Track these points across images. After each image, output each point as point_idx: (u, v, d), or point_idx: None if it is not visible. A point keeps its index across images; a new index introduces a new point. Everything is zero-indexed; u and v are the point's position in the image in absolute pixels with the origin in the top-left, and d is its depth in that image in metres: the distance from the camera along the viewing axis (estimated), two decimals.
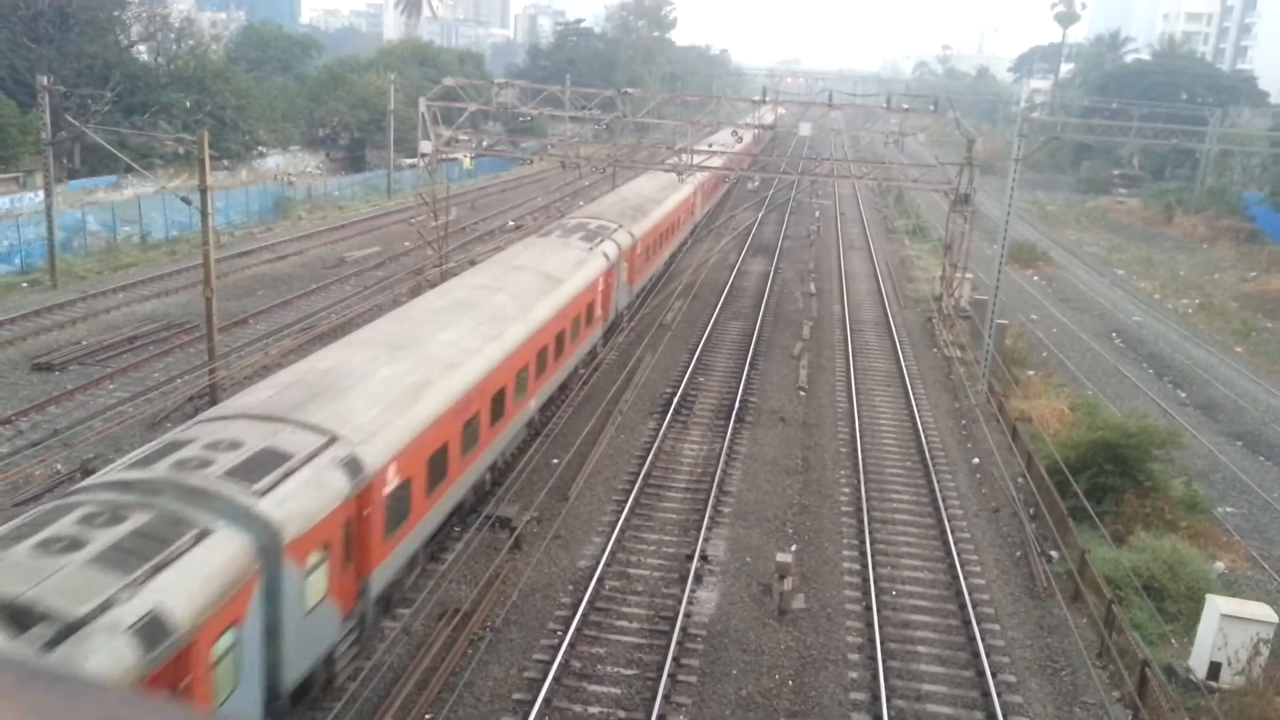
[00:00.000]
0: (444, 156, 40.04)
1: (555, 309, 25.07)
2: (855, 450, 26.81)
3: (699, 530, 21.38)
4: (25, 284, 38.34)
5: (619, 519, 21.57)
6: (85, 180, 54.95)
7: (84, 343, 31.78)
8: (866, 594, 19.34)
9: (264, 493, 12.54)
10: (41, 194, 40.15)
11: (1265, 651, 17.07)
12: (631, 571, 19.75)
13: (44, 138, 37.97)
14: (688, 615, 18.15)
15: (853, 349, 36.79)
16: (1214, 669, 17.15)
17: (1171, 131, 61.18)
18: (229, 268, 41.25)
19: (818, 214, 70.30)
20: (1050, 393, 32.10)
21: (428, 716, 14.88)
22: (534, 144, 57.59)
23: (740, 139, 46.49)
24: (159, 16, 72.60)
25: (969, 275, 41.35)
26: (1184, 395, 36.42)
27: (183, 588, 10.68)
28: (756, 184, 70.03)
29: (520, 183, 75.31)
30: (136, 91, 60.86)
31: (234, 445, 13.42)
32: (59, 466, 22.57)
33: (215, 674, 11.29)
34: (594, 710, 15.41)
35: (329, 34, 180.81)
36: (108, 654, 9.54)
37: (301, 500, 12.98)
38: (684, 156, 40.20)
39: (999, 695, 16.31)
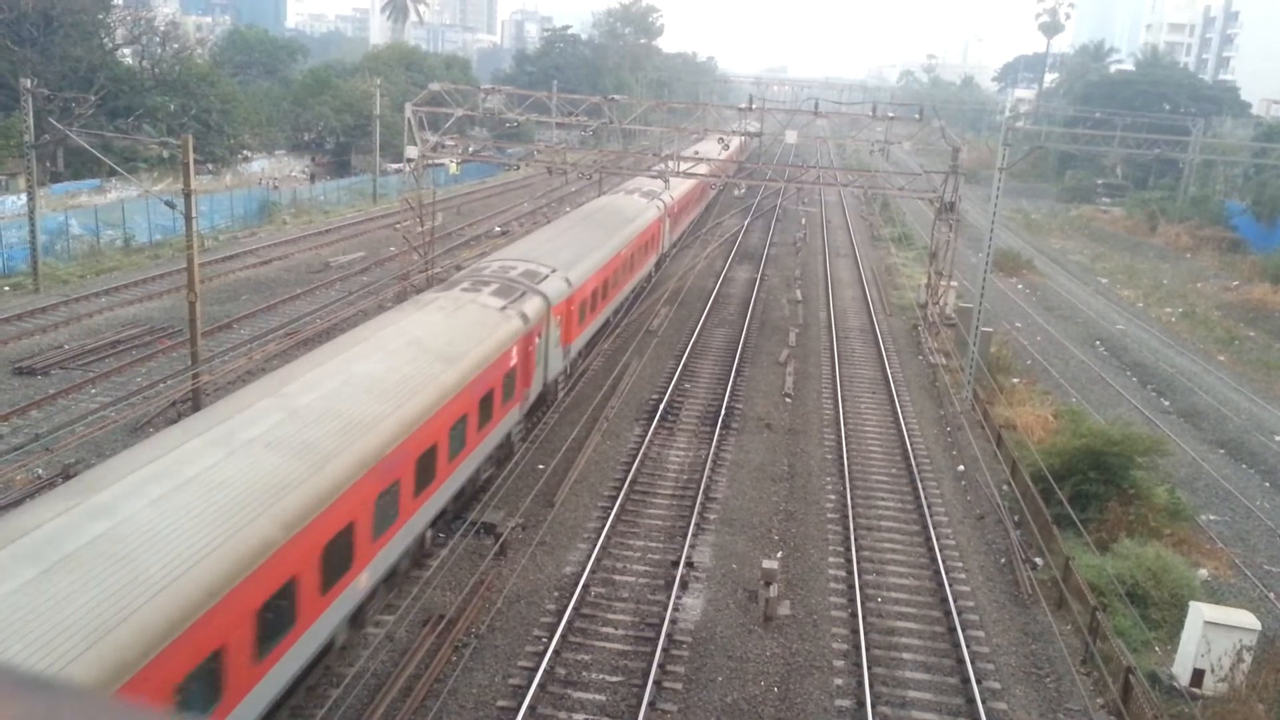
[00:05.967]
0: (430, 162, 39.92)
1: (637, 231, 38.21)
2: (841, 457, 26.85)
3: (685, 537, 21.35)
4: (7, 287, 38.04)
5: (605, 525, 21.53)
6: (68, 184, 54.59)
7: (66, 347, 31.55)
8: (852, 600, 19.35)
9: (539, 283, 25.13)
10: (24, 197, 39.90)
11: (1248, 659, 17.13)
12: (617, 578, 19.71)
13: (27, 141, 37.71)
14: (673, 622, 18.12)
15: (838, 356, 36.86)
16: (1197, 676, 17.20)
17: (1154, 141, 61.70)
18: (213, 272, 41.06)
19: (804, 221, 70.49)
20: (1034, 400, 32.19)
21: None
22: (520, 150, 57.66)
23: (727, 146, 46.77)
24: (144, 20, 72.13)
25: (954, 283, 41.49)
26: (1167, 403, 36.60)
27: (530, 307, 23.52)
28: (743, 190, 70.17)
29: (506, 188, 75.14)
30: (121, 95, 60.51)
31: (513, 267, 26.04)
32: (40, 471, 22.37)
33: (535, 354, 23.99)
34: (579, 717, 15.35)
35: (314, 38, 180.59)
36: (511, 322, 22.22)
37: (553, 289, 25.66)
38: (670, 164, 40.23)
39: (983, 702, 16.34)
